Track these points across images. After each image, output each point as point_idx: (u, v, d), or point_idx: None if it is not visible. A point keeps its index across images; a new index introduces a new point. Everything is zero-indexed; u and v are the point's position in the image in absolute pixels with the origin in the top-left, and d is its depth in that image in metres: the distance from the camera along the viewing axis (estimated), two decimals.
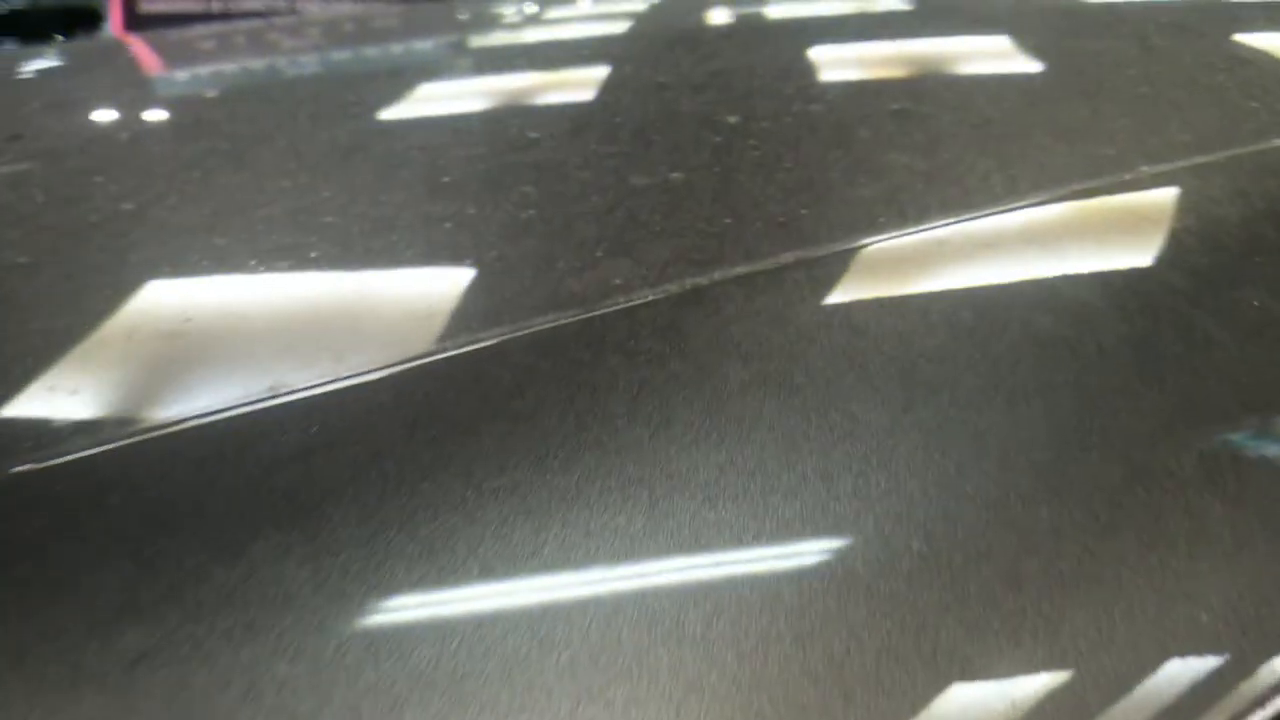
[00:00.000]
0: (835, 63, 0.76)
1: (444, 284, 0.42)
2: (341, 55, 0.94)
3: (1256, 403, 0.40)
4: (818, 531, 0.33)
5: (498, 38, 1.01)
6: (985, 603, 0.32)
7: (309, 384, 0.36)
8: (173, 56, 1.04)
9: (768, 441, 0.35)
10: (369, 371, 0.36)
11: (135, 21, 4.41)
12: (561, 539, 0.31)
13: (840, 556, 0.32)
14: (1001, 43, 0.81)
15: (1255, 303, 0.45)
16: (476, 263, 0.44)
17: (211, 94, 0.77)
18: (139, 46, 1.19)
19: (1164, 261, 0.47)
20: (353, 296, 0.42)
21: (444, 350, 0.38)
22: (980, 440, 0.36)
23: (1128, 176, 0.54)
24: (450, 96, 0.73)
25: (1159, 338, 0.42)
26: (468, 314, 0.40)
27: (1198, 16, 0.90)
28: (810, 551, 0.32)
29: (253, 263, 0.45)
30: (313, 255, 0.45)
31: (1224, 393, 0.40)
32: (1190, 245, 0.48)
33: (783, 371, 0.38)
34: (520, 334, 0.39)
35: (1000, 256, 0.47)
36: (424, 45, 0.97)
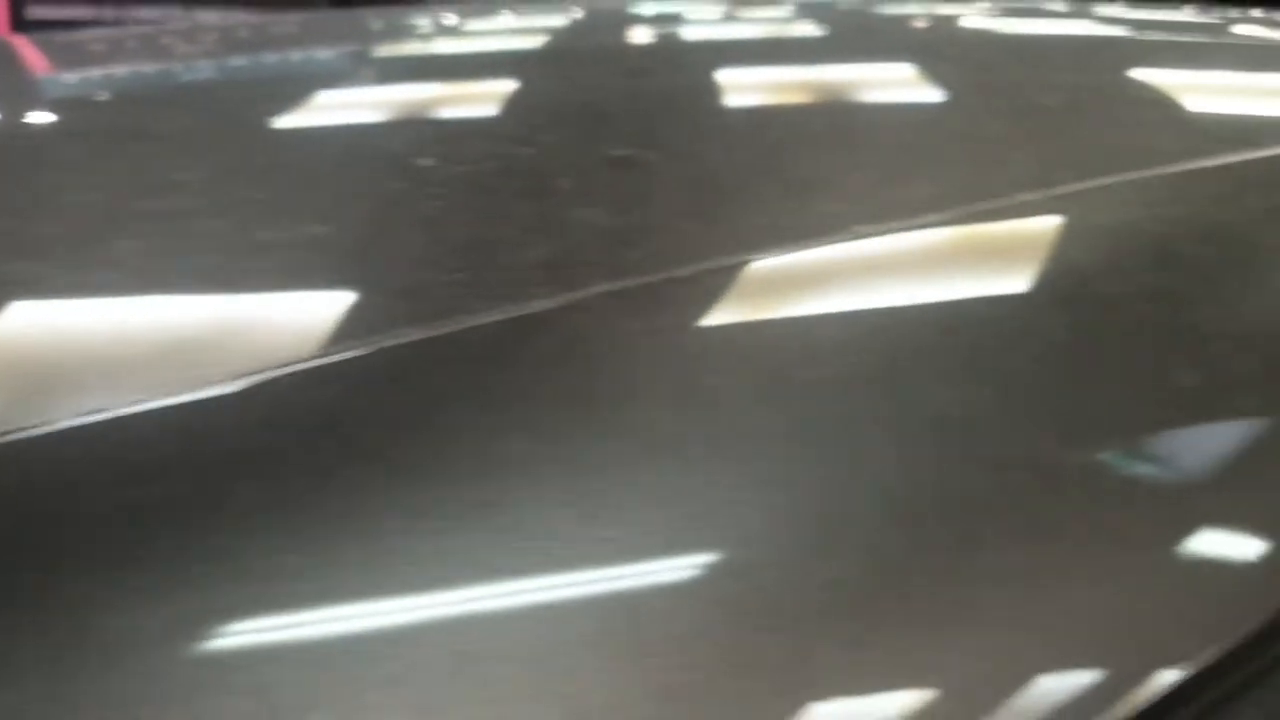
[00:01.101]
0: (582, 98, 0.69)
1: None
2: (116, 81, 0.85)
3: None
4: None
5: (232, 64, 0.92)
6: None
7: None
8: None
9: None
10: None
11: (22, 26, 4.28)
12: None
13: None
14: (781, 77, 0.75)
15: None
16: None
17: None
18: None
19: (813, 341, 0.41)
20: None
21: None
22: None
23: (832, 240, 0.48)
24: (138, 134, 0.64)
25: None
26: None
27: (1016, 47, 0.85)
28: None
29: None
30: None
31: None
32: (869, 319, 0.42)
33: (280, 496, 0.31)
34: None
35: (653, 334, 0.40)
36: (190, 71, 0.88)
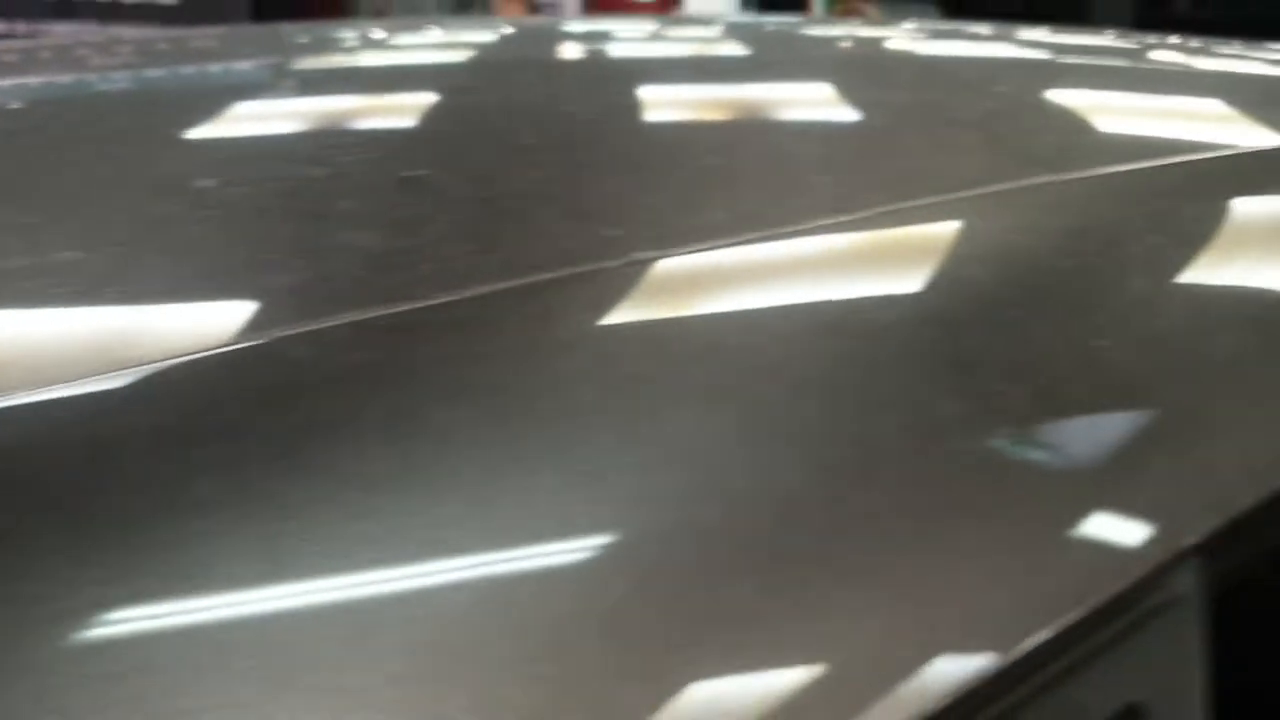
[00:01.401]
0: (395, 117, 0.68)
1: None
2: None
3: None
4: None
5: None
6: None
7: None
8: None
9: None
10: None
11: None
12: None
13: None
14: (600, 100, 0.74)
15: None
16: None
17: None
18: None
19: (564, 369, 0.39)
20: None
21: None
22: None
23: (607, 265, 0.46)
24: None
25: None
26: None
27: (851, 69, 0.85)
28: None
29: None
30: None
31: None
32: (636, 344, 0.41)
33: None
34: None
35: (380, 369, 0.38)
36: None
